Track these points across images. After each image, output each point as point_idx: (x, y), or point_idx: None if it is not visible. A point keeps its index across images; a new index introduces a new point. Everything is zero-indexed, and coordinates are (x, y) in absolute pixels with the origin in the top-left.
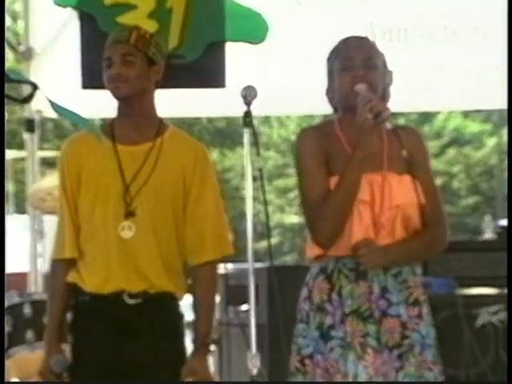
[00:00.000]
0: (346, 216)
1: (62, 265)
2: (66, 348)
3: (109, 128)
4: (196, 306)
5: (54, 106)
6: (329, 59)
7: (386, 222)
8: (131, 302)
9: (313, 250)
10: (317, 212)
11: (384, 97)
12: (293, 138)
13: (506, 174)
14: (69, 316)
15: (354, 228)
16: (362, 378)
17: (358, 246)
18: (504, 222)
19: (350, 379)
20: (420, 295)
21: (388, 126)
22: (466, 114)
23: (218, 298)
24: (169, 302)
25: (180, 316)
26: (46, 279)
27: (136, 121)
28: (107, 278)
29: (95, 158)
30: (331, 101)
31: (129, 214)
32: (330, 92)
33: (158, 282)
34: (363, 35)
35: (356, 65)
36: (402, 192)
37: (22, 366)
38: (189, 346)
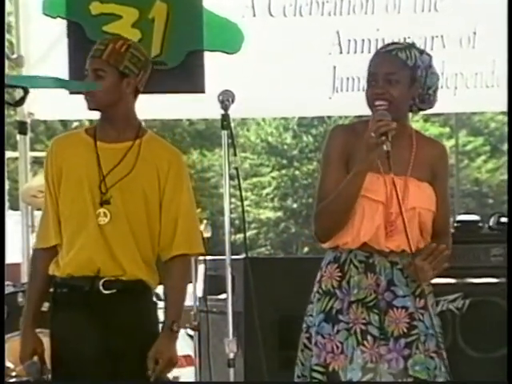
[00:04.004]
0: (337, 218)
1: (44, 254)
2: (41, 335)
3: (92, 129)
4: (167, 296)
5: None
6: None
7: (401, 224)
8: (106, 292)
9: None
10: (317, 208)
11: (424, 101)
12: (269, 139)
13: (462, 173)
14: (47, 307)
15: (364, 227)
16: (358, 362)
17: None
18: (460, 217)
19: (347, 361)
20: (426, 287)
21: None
22: (426, 118)
23: (198, 288)
24: (142, 290)
25: (154, 304)
26: (29, 268)
27: (115, 123)
28: (85, 259)
29: (76, 153)
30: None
31: (104, 202)
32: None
33: (132, 269)
34: (394, 48)
35: (377, 81)
36: (420, 197)
37: (15, 351)
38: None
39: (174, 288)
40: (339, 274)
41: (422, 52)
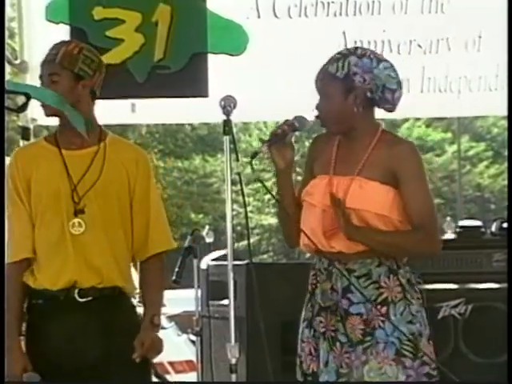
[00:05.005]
0: (283, 220)
1: (22, 265)
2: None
3: (53, 137)
4: (145, 293)
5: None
6: None
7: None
8: (82, 300)
9: None
10: None
11: (382, 102)
12: None
13: (464, 178)
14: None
15: (302, 232)
16: (332, 366)
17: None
18: (463, 223)
19: (322, 365)
20: (393, 295)
21: (386, 135)
22: (429, 124)
23: (199, 293)
24: (118, 296)
25: (132, 308)
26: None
27: (75, 129)
28: (60, 272)
29: (43, 164)
30: None
31: (78, 212)
32: None
33: (109, 276)
34: (328, 60)
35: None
36: (360, 197)
37: None
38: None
39: (154, 286)
40: (314, 282)
41: (362, 56)
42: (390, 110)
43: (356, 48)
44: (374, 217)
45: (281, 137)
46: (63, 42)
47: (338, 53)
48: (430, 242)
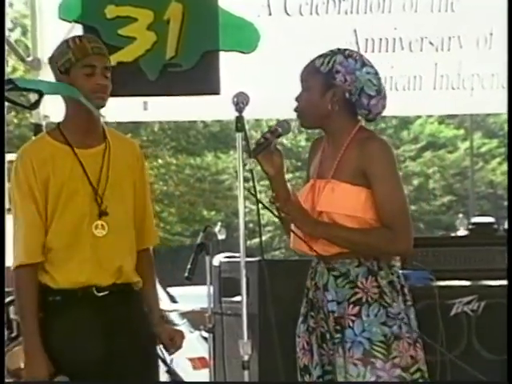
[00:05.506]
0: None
1: (33, 268)
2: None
3: (58, 133)
4: (146, 287)
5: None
6: None
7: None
8: (99, 294)
9: None
10: None
11: (360, 106)
12: (284, 141)
13: (477, 175)
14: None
15: (291, 234)
16: (318, 362)
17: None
18: (475, 219)
19: (316, 359)
20: (368, 296)
21: (360, 135)
22: (441, 121)
23: (211, 290)
24: (131, 290)
25: (141, 302)
26: (16, 285)
27: (86, 125)
28: (81, 274)
29: (59, 164)
30: None
31: (102, 214)
32: None
33: (127, 273)
34: (317, 56)
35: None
36: (331, 200)
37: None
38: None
39: (151, 280)
40: (309, 278)
41: (348, 56)
42: (368, 119)
43: (346, 49)
44: (345, 218)
45: (265, 145)
46: (94, 37)
47: (330, 50)
48: (399, 241)
